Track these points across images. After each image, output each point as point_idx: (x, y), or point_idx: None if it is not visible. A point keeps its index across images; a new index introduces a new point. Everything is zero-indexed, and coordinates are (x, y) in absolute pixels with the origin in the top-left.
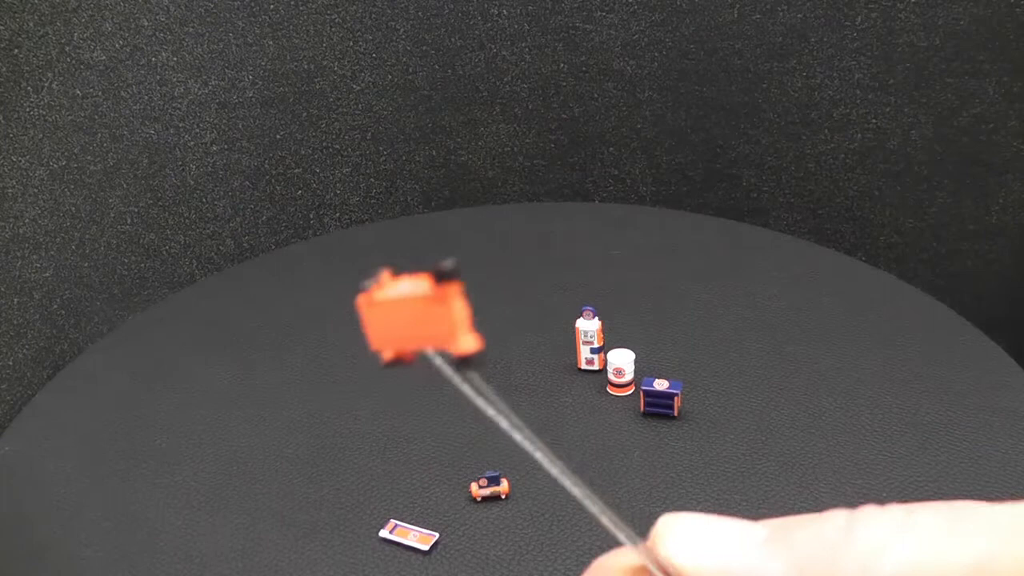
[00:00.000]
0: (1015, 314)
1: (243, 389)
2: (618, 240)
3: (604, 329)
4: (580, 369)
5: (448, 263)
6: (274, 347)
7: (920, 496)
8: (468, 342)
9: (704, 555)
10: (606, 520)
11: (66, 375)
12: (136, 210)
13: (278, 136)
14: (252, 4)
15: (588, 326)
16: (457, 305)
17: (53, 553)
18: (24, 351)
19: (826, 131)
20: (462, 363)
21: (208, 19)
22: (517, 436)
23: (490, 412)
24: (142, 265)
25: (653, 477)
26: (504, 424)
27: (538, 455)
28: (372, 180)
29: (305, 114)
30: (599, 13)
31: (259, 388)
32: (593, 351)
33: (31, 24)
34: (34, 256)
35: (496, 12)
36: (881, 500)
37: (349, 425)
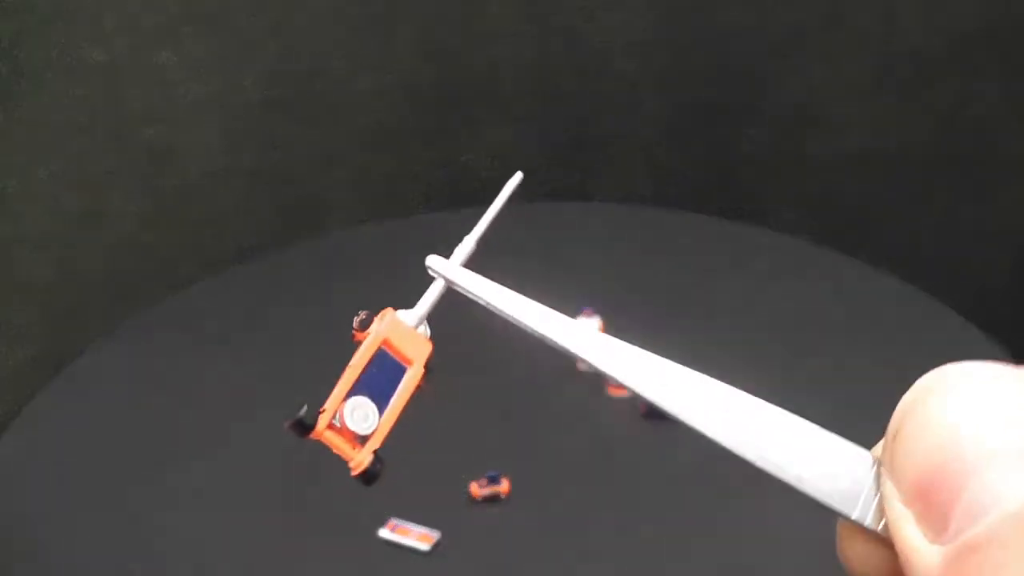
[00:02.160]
0: (1015, 314)
1: (243, 389)
2: (618, 240)
3: (604, 329)
4: (580, 369)
5: (299, 417)
6: (274, 347)
7: None
8: (356, 462)
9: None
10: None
11: (66, 376)
12: (136, 210)
13: (278, 136)
14: (252, 4)
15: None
16: (332, 440)
17: (53, 553)
18: (24, 352)
19: (826, 131)
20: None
21: (208, 19)
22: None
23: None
24: (142, 265)
25: (653, 477)
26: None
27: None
28: (372, 180)
29: (305, 114)
30: (599, 13)
31: (259, 388)
32: None
33: (31, 24)
34: (34, 256)
35: (496, 12)
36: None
37: None
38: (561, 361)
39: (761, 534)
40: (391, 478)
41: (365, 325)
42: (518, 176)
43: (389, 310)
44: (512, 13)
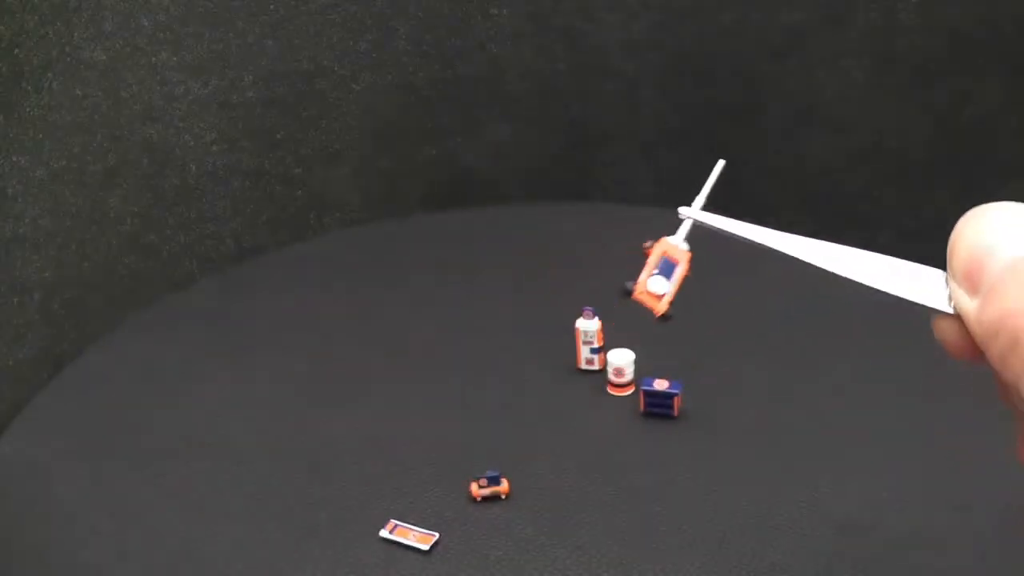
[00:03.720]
0: None
1: (243, 389)
2: (618, 240)
3: (604, 329)
4: (580, 369)
5: (625, 287)
6: (274, 347)
7: (922, 495)
8: (659, 309)
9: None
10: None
11: (66, 375)
12: (136, 210)
13: (278, 136)
14: (252, 4)
15: (588, 326)
16: (643, 298)
17: (53, 553)
18: (24, 351)
19: (826, 131)
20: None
21: (208, 19)
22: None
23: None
24: (142, 265)
25: (653, 477)
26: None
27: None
28: (372, 180)
29: (305, 114)
30: (599, 13)
31: (259, 388)
32: (593, 351)
33: (31, 24)
34: (34, 256)
35: (496, 12)
36: (880, 500)
37: (349, 425)
38: (561, 361)
39: (761, 534)
40: (391, 478)
41: (650, 247)
42: (721, 164)
43: (664, 238)
44: (512, 13)
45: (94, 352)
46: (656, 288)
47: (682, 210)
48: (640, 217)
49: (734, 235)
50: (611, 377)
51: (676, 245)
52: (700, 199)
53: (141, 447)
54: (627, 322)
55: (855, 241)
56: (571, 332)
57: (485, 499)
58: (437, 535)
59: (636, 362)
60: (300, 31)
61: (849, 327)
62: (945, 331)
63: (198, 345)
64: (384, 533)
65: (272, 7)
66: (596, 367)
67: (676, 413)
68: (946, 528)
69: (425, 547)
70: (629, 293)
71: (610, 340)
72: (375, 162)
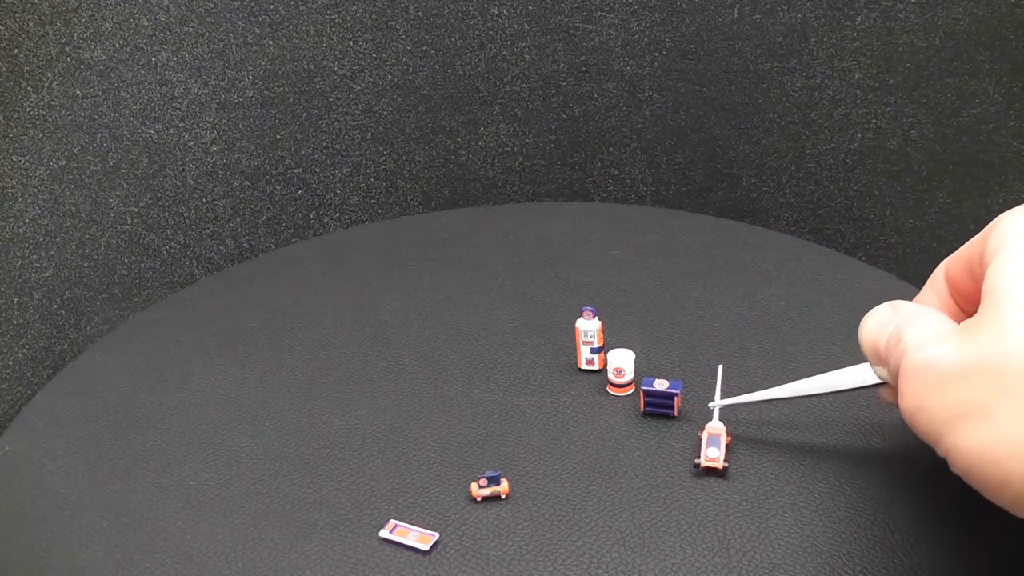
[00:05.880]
0: None
1: (243, 389)
2: (618, 240)
3: (604, 329)
4: (580, 369)
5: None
6: (274, 347)
7: (922, 494)
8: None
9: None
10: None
11: (66, 375)
12: (136, 210)
13: (278, 136)
14: (252, 4)
15: (588, 326)
16: None
17: (53, 553)
18: (24, 351)
19: (826, 131)
20: None
21: (208, 19)
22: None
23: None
24: (142, 265)
25: (653, 477)
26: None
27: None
28: (372, 180)
29: (305, 114)
30: (599, 13)
31: (259, 388)
32: (593, 351)
33: (31, 24)
34: (34, 256)
35: (496, 12)
36: (882, 500)
37: (349, 425)
38: (561, 361)
39: (762, 534)
40: (391, 478)
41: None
42: (721, 368)
43: (707, 425)
44: (512, 13)
45: (94, 352)
46: (712, 454)
47: (711, 404)
48: (640, 217)
49: (748, 402)
50: (611, 377)
51: (715, 426)
52: (717, 395)
53: (141, 447)
54: (627, 322)
55: (855, 241)
56: (571, 332)
57: (485, 499)
58: (437, 535)
59: (636, 362)
60: (300, 31)
61: (848, 328)
62: (883, 392)
63: (198, 345)
64: (384, 533)
65: (272, 7)
66: (596, 367)
67: (676, 413)
68: (948, 526)
69: (425, 547)
70: (697, 466)
71: (610, 340)
72: (375, 162)
